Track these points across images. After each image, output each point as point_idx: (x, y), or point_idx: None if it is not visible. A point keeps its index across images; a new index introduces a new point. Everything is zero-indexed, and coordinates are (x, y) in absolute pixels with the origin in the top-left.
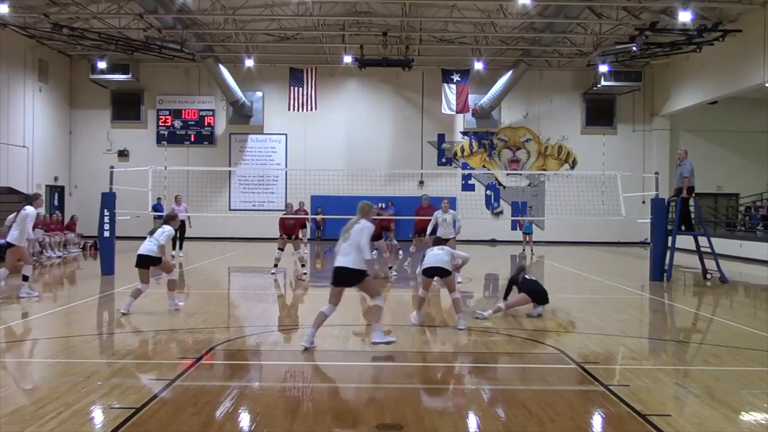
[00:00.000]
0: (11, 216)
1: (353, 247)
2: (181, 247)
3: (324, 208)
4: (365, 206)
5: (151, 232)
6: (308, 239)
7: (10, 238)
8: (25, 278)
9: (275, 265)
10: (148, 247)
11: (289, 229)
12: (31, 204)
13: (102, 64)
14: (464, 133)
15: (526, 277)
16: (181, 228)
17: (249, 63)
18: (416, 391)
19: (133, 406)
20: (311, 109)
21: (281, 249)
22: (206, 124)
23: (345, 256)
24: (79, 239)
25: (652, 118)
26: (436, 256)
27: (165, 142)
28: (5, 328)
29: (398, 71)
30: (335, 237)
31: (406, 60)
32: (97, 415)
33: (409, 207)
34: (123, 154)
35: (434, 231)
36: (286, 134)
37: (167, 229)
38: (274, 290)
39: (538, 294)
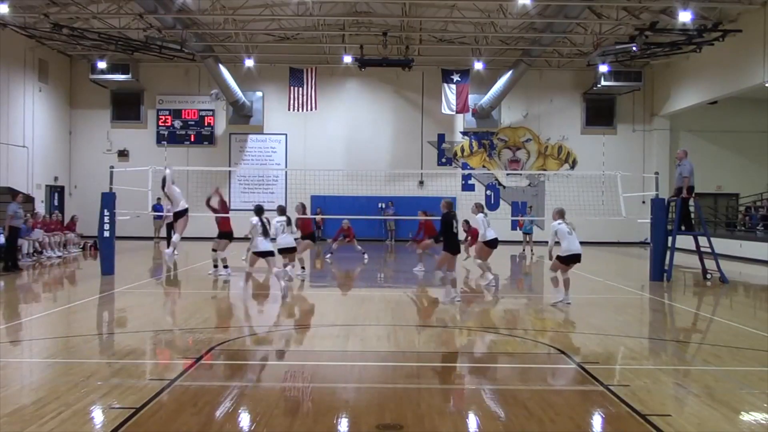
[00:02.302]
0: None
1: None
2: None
3: (324, 208)
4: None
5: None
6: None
7: (178, 207)
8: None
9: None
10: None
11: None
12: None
13: (102, 64)
14: (464, 133)
15: (455, 225)
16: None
17: (249, 63)
18: (416, 391)
19: (133, 406)
20: (311, 109)
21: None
22: (206, 124)
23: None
24: (79, 239)
25: (652, 118)
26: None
27: (165, 142)
28: (5, 328)
29: (398, 71)
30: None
31: (406, 60)
32: (97, 415)
33: (410, 207)
34: (123, 154)
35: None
36: (286, 134)
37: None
38: (274, 290)
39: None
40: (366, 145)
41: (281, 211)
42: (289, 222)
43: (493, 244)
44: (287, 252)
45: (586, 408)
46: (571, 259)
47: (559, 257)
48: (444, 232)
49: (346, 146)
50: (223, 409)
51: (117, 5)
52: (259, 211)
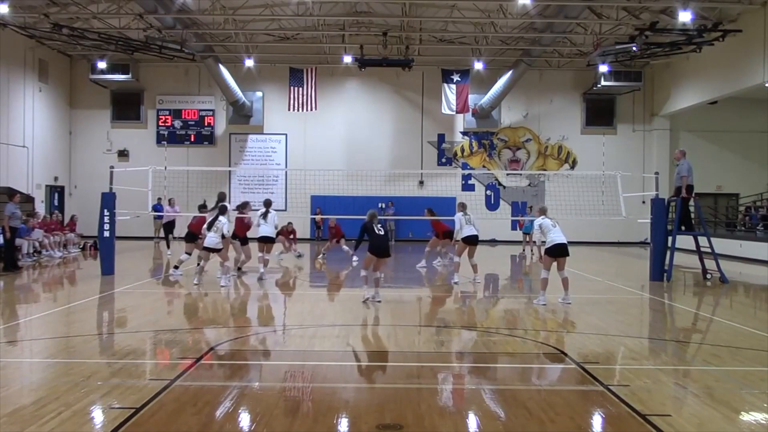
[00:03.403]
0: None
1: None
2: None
3: (323, 208)
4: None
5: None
6: (299, 240)
7: (209, 243)
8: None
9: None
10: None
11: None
12: (223, 214)
13: (102, 64)
14: (464, 133)
15: (378, 226)
16: (172, 227)
17: (249, 63)
18: (416, 391)
19: (133, 406)
20: (311, 109)
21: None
22: (206, 124)
23: (562, 235)
24: (79, 239)
25: (652, 118)
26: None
27: (165, 142)
28: (6, 328)
29: (398, 71)
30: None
31: (406, 60)
32: (97, 415)
33: (410, 207)
34: (123, 154)
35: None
36: (286, 134)
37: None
38: (273, 290)
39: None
40: (366, 145)
41: (266, 204)
42: (264, 215)
43: (469, 240)
44: (264, 242)
45: (586, 408)
46: (557, 250)
47: (546, 251)
48: (360, 238)
49: (346, 146)
50: (223, 409)
51: (117, 5)
52: (210, 225)
